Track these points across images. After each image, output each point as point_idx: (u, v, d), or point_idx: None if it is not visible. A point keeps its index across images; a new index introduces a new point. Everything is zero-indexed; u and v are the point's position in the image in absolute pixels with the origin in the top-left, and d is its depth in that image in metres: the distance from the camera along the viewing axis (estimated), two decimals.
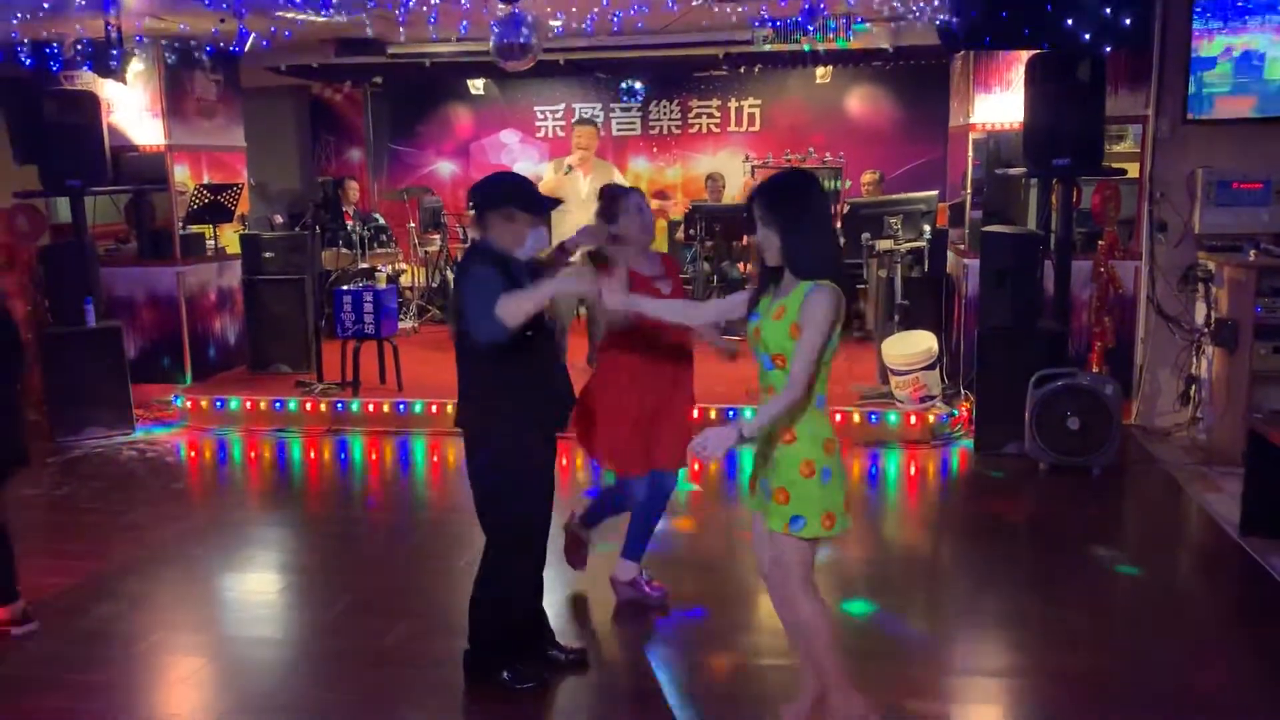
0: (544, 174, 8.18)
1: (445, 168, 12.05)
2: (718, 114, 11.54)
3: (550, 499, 3.87)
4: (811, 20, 6.11)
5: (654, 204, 8.36)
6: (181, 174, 8.46)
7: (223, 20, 5.85)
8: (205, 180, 8.63)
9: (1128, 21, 4.44)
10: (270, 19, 6.48)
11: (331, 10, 6.18)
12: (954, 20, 4.98)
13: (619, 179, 7.86)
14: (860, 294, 9.73)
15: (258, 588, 5.00)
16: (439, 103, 11.86)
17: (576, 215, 7.68)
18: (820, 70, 10.53)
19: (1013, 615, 4.50)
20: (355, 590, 4.82)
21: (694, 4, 6.29)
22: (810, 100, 11.21)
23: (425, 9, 6.16)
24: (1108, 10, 4.39)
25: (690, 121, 11.61)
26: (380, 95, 11.91)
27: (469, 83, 11.26)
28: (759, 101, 11.41)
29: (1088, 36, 4.51)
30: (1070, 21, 4.44)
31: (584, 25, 6.52)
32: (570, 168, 7.88)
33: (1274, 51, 6.50)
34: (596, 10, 6.13)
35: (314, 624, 4.54)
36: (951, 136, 8.19)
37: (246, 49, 6.64)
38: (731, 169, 11.07)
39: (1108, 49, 4.83)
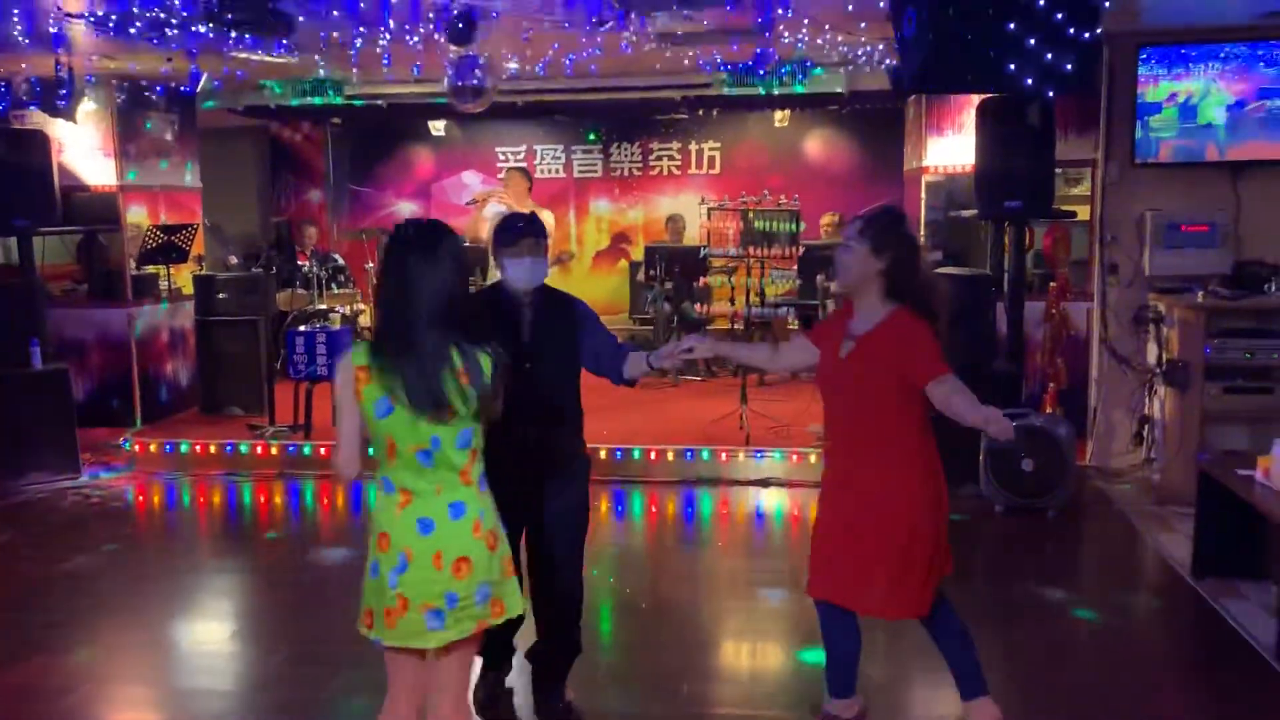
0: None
1: (406, 208, 12.00)
2: (678, 156, 11.60)
3: None
4: (764, 64, 6.16)
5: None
6: (137, 214, 8.38)
7: (170, 60, 5.80)
8: (161, 220, 8.55)
9: (1069, 68, 4.48)
10: (223, 59, 6.44)
11: (284, 51, 6.15)
12: (899, 66, 5.03)
13: (549, 222, 7.89)
14: None
15: (200, 637, 4.87)
16: (400, 144, 11.85)
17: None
18: (779, 114, 10.63)
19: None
20: (299, 639, 4.71)
21: (646, 49, 6.32)
22: (769, 143, 11.30)
23: (378, 49, 6.15)
24: (1049, 56, 4.43)
25: (651, 164, 11.66)
26: (341, 136, 11.89)
27: (430, 124, 11.26)
28: (718, 144, 11.49)
29: (1030, 81, 4.56)
30: (1012, 67, 4.49)
31: (537, 68, 6.53)
32: (476, 200, 8.05)
33: (1211, 98, 6.63)
34: (550, 53, 6.15)
35: (254, 675, 4.42)
36: (906, 179, 8.27)
37: (199, 89, 6.58)
38: (692, 211, 11.09)
39: (1051, 94, 4.88)
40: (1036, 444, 6.18)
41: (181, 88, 7.09)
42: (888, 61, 6.27)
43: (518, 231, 3.63)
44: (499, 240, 3.66)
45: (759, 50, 6.06)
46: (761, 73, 6.94)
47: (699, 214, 11.03)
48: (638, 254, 11.03)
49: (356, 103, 8.72)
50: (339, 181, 12.01)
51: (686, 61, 7.05)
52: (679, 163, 11.62)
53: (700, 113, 10.63)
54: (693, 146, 11.54)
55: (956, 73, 4.55)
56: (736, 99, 8.73)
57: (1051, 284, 6.73)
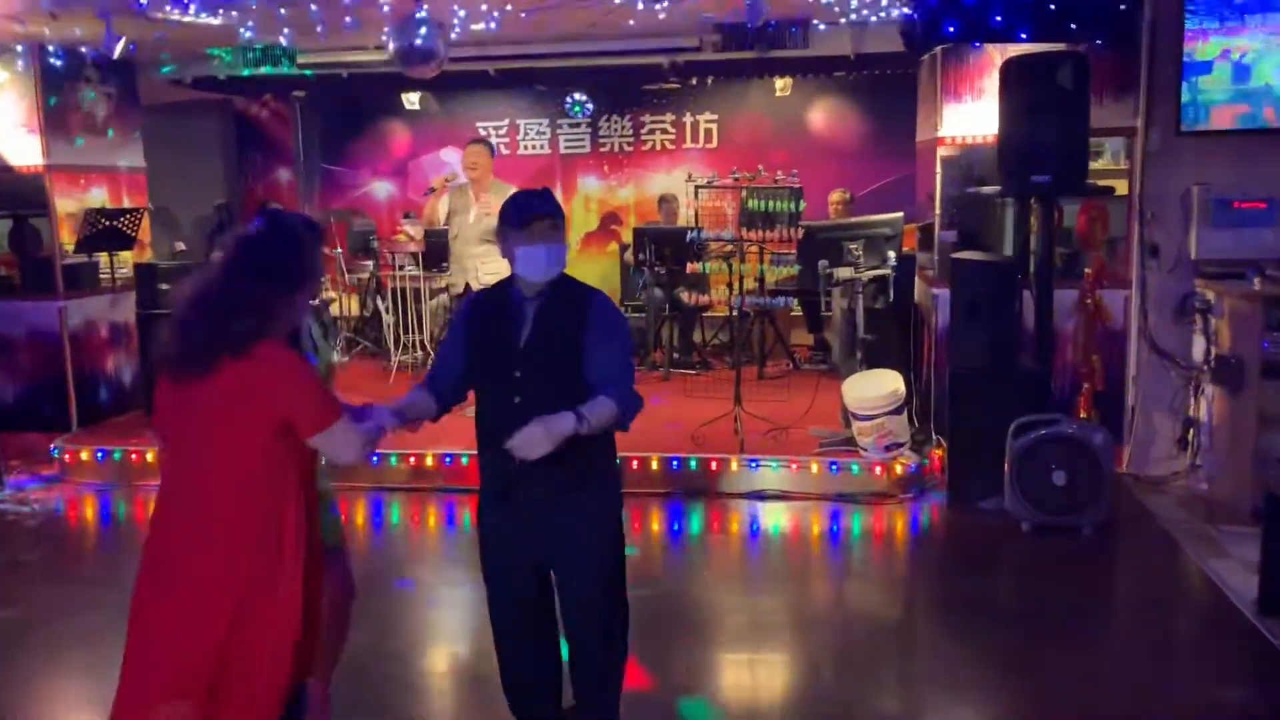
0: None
1: (381, 188, 11.22)
2: (672, 130, 10.76)
3: None
4: (756, 18, 5.34)
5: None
6: (74, 197, 7.62)
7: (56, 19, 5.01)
8: (103, 204, 7.79)
9: (1123, 6, 3.66)
10: (141, 20, 5.66)
11: (203, 11, 5.37)
12: (913, 13, 4.23)
13: None
14: (826, 322, 9.01)
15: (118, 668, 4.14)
16: (372, 119, 11.02)
17: (469, 241, 6.93)
18: (780, 82, 9.78)
19: (993, 700, 3.87)
20: None
21: (619, 2, 5.50)
22: (770, 115, 10.45)
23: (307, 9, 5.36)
24: None
25: (643, 138, 10.82)
26: (309, 111, 11.07)
27: (403, 97, 10.44)
28: (715, 117, 10.64)
29: (1074, 26, 3.74)
30: (1053, 7, 3.67)
31: (489, 24, 5.72)
32: (434, 189, 7.15)
33: (1271, 56, 5.78)
34: (508, 5, 5.33)
35: None
36: (919, 151, 7.43)
37: (116, 54, 5.80)
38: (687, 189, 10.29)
39: (1098, 41, 4.05)
40: (1069, 454, 5.40)
41: (90, 53, 6.29)
42: (900, 10, 5.44)
43: (530, 211, 2.98)
44: (507, 221, 3.00)
45: (749, 3, 5.24)
46: (755, 29, 6.10)
47: (688, 192, 10.31)
48: (629, 236, 10.25)
49: (307, 73, 7.90)
50: (310, 159, 11.21)
51: (665, 18, 6.20)
52: (673, 137, 10.77)
53: (693, 81, 9.77)
54: (687, 119, 10.69)
55: (979, 16, 3.73)
56: (730, 64, 7.90)
57: (1086, 270, 5.91)
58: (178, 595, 2.54)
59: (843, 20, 6.28)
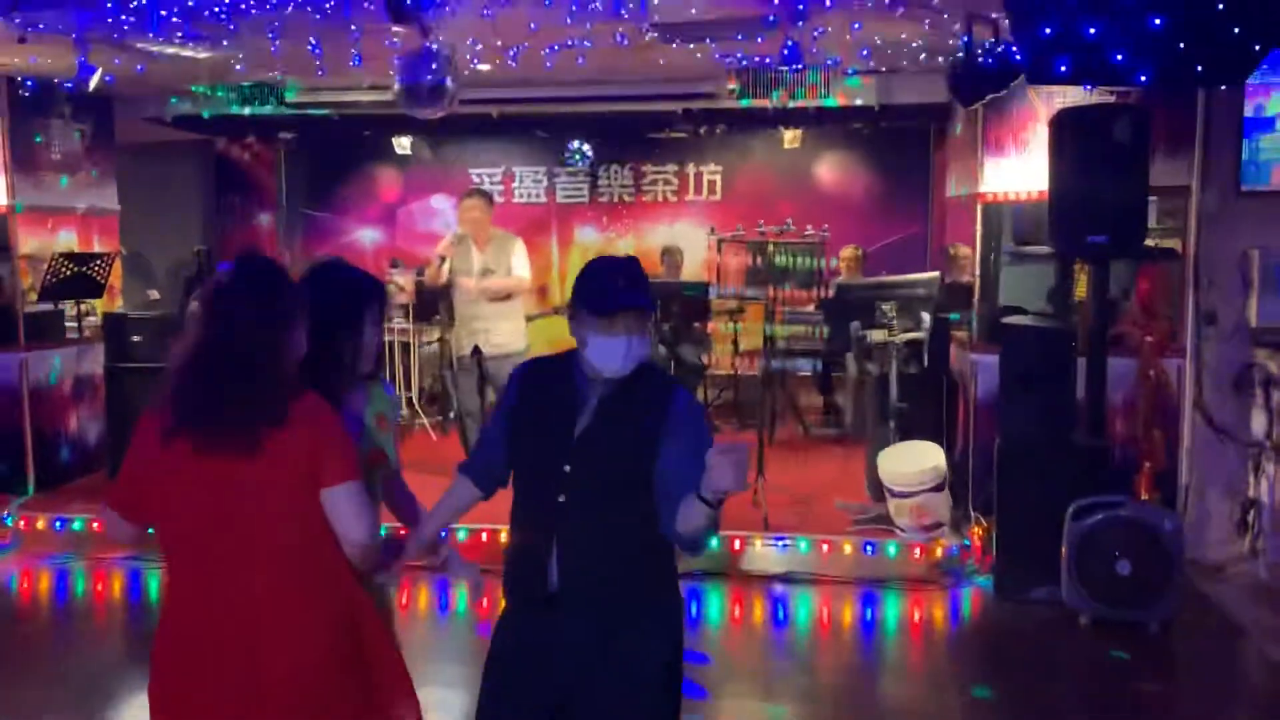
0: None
1: (368, 235, 10.71)
2: (674, 180, 10.36)
3: None
4: (798, 59, 4.92)
5: None
6: (39, 240, 7.08)
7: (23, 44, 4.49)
8: (70, 248, 7.25)
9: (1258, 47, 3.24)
10: (120, 49, 5.17)
11: (194, 42, 4.90)
12: (1016, 50, 3.81)
13: (519, 251, 6.63)
14: (836, 383, 8.56)
15: None
16: (361, 163, 10.55)
17: (475, 299, 6.49)
18: (789, 134, 9.40)
19: None
20: None
21: (648, 39, 5.07)
22: (777, 167, 10.07)
23: (308, 42, 4.90)
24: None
25: (644, 189, 10.41)
26: (294, 153, 10.58)
27: (394, 141, 9.98)
28: (719, 168, 10.25)
29: (1200, 69, 3.31)
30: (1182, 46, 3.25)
31: (508, 58, 5.27)
32: (444, 257, 6.69)
33: None
34: (526, 42, 4.89)
35: None
36: (949, 207, 7.04)
37: (91, 87, 5.30)
38: (691, 241, 9.86)
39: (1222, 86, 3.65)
40: (1135, 540, 4.92)
41: (64, 83, 5.79)
42: (953, 56, 5.04)
43: (617, 303, 2.42)
44: (585, 304, 2.46)
45: (789, 41, 4.81)
46: (797, 67, 5.65)
47: (703, 245, 9.89)
48: None
49: (289, 111, 7.42)
50: (292, 205, 10.70)
51: (700, 56, 5.76)
52: (675, 188, 10.36)
53: (702, 130, 9.36)
54: (691, 169, 10.29)
55: (1098, 54, 3.29)
56: (749, 113, 7.48)
57: (1147, 338, 5.48)
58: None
59: (883, 68, 5.88)
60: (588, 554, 2.42)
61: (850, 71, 6.01)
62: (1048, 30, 3.28)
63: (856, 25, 5.23)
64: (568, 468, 2.46)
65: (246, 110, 7.14)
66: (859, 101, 7.05)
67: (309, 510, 2.32)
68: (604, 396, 2.49)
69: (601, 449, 2.46)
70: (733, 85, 6.90)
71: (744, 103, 6.91)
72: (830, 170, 10.09)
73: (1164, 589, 4.92)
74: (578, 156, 10.01)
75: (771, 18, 4.81)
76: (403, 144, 9.98)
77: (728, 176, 10.25)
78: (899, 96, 7.03)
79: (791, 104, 6.81)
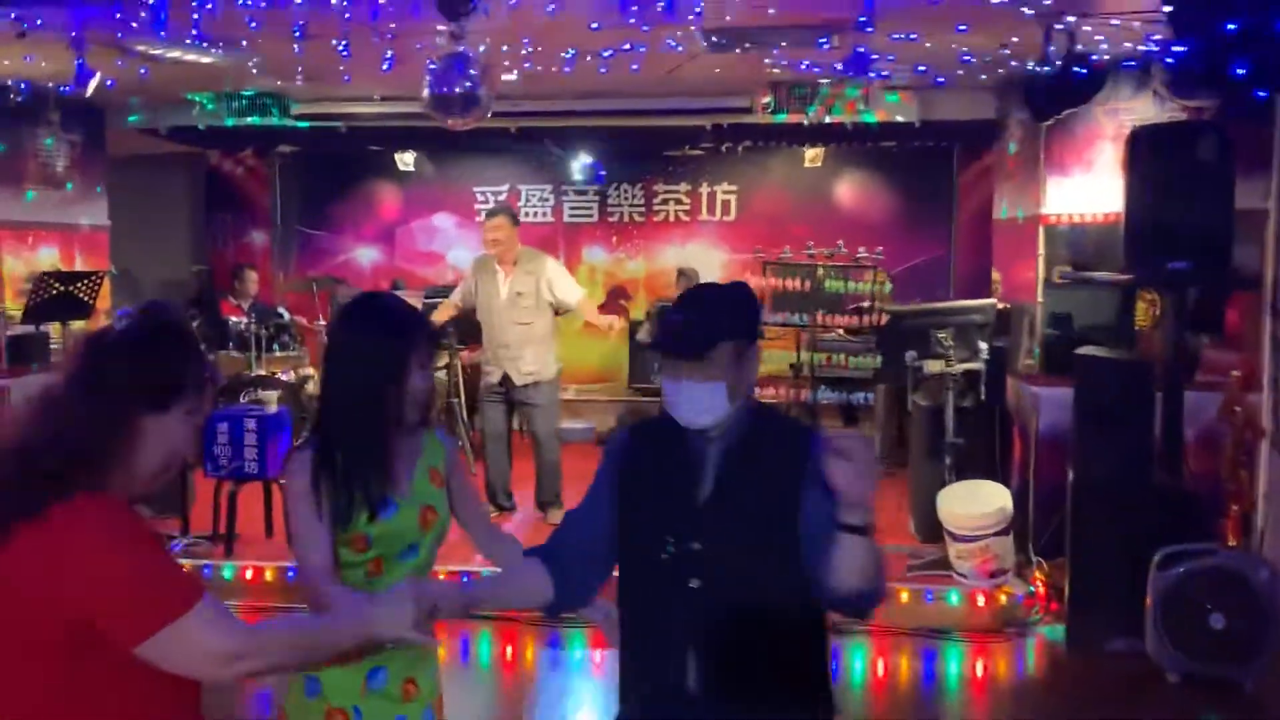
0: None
1: (366, 254, 10.26)
2: (686, 200, 9.97)
3: None
4: (866, 67, 4.56)
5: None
6: (23, 258, 6.61)
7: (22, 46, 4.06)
8: (54, 266, 6.78)
9: None
10: (121, 52, 4.73)
11: (205, 45, 4.47)
12: (1183, 49, 3.46)
13: (556, 272, 6.24)
14: (867, 414, 8.17)
15: None
16: (361, 179, 10.11)
17: (504, 326, 6.09)
18: (810, 152, 9.07)
19: None
20: None
21: (701, 47, 4.67)
22: (795, 187, 9.71)
23: (334, 44, 4.48)
24: None
25: (655, 209, 10.02)
26: (291, 168, 10.13)
27: (396, 157, 9.55)
28: (734, 187, 9.87)
29: None
30: None
31: (563, 66, 4.86)
32: (478, 268, 6.36)
33: None
34: (571, 52, 4.49)
35: None
36: (998, 229, 6.70)
37: (90, 92, 4.86)
38: (705, 262, 9.49)
39: None
40: (1229, 591, 4.54)
41: (62, 88, 5.35)
42: (1030, 67, 4.69)
43: (669, 337, 2.06)
44: (663, 347, 2.09)
45: (859, 48, 4.45)
46: (823, 85, 5.31)
47: (716, 266, 9.55)
48: (637, 312, 9.39)
49: (301, 124, 6.99)
50: (287, 222, 10.23)
51: (725, 73, 5.37)
52: (687, 208, 9.98)
53: (724, 148, 8.98)
54: (704, 189, 9.91)
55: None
56: (780, 129, 7.12)
57: (1234, 372, 5.12)
58: None
59: (939, 79, 5.53)
60: (734, 647, 1.99)
61: (887, 78, 5.64)
62: (1230, 26, 2.90)
63: (909, 35, 4.88)
64: (697, 545, 2.02)
65: (248, 120, 6.70)
66: (899, 118, 6.72)
67: (33, 664, 1.61)
68: (724, 453, 2.05)
69: (736, 515, 2.02)
70: (766, 99, 6.58)
71: (779, 118, 6.59)
72: (850, 191, 9.74)
73: (1260, 645, 4.53)
74: (587, 177, 9.64)
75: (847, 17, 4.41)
76: (406, 160, 9.57)
77: (743, 196, 9.87)
78: (939, 113, 6.71)
79: (828, 119, 6.48)
